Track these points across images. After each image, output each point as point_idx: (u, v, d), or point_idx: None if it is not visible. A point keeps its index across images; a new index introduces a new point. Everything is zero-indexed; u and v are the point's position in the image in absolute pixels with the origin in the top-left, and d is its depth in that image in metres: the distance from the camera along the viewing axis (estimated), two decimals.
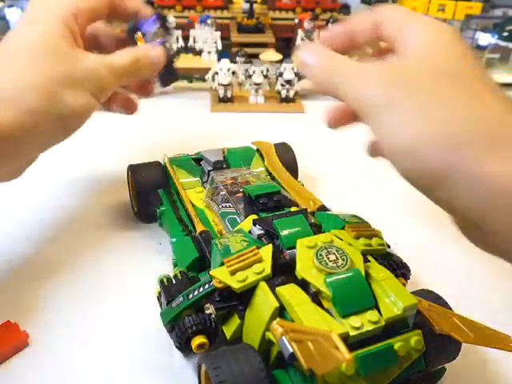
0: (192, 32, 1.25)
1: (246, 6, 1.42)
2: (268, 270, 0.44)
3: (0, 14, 1.23)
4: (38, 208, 0.74)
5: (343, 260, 0.43)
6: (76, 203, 0.75)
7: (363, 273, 0.43)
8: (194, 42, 1.25)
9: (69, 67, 0.52)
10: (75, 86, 0.53)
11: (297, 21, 1.36)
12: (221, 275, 0.45)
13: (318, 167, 0.89)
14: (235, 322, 0.46)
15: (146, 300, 0.56)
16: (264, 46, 1.34)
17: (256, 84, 1.17)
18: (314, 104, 1.21)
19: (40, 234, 0.69)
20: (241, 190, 0.58)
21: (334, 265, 0.43)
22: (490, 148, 0.37)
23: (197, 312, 0.47)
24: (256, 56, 1.27)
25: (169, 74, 0.67)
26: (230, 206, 0.58)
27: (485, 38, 1.24)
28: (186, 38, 1.26)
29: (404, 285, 0.48)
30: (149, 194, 0.67)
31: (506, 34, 1.20)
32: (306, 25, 1.28)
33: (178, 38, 1.25)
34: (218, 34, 1.24)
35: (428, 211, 0.77)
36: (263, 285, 0.44)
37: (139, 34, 0.64)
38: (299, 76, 1.18)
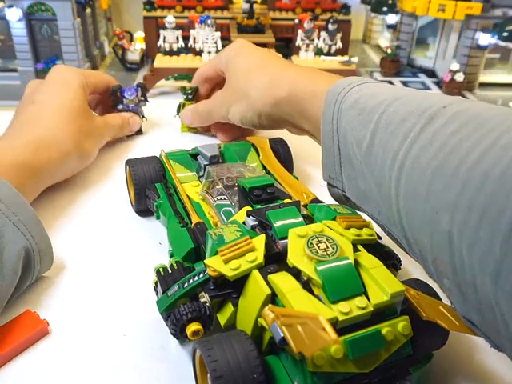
0: (192, 32, 1.26)
1: (246, 6, 1.44)
2: (260, 259, 0.46)
3: (0, 14, 1.25)
4: (34, 205, 0.76)
5: (333, 248, 0.45)
6: (74, 198, 0.77)
7: (353, 261, 0.45)
8: (194, 42, 1.27)
9: (89, 124, 0.78)
10: (91, 136, 0.78)
11: (297, 21, 1.38)
12: (215, 264, 0.47)
13: (317, 166, 0.90)
14: (229, 309, 0.48)
15: (144, 290, 0.58)
16: (264, 46, 1.33)
17: None
18: None
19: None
20: (236, 183, 0.61)
21: (325, 253, 0.45)
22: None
23: (192, 300, 0.49)
24: None
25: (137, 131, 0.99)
26: (225, 199, 0.60)
27: (485, 38, 1.25)
28: (186, 38, 1.29)
29: (394, 275, 0.50)
30: (146, 188, 0.69)
31: (505, 34, 1.22)
32: (306, 25, 1.30)
33: (178, 38, 1.27)
34: (218, 34, 1.25)
35: None
36: (256, 273, 0.46)
37: (119, 94, 0.94)
38: None
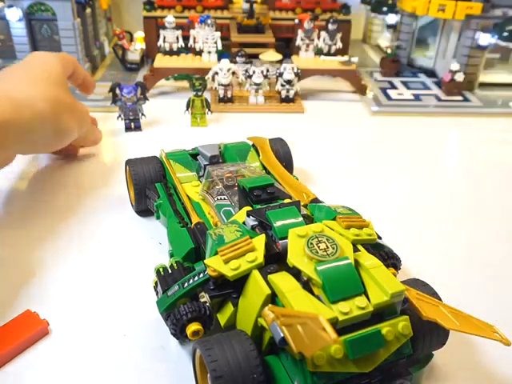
0: (192, 32, 1.26)
1: (246, 6, 1.43)
2: (260, 259, 0.46)
3: (0, 14, 1.24)
4: (35, 205, 0.76)
5: (333, 248, 0.45)
6: (74, 198, 0.77)
7: (352, 261, 0.45)
8: (194, 42, 1.26)
9: (71, 101, 0.77)
10: (70, 111, 0.75)
11: (297, 21, 1.38)
12: (215, 264, 0.47)
13: (317, 166, 0.91)
14: (229, 309, 0.48)
15: (144, 290, 0.58)
16: (264, 46, 1.36)
17: (256, 84, 1.18)
18: (313, 104, 1.24)
19: (40, 231, 0.71)
20: (236, 183, 0.61)
21: (325, 253, 0.45)
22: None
23: (192, 300, 0.49)
24: (256, 56, 1.28)
25: (135, 127, 1.04)
26: (224, 199, 0.60)
27: (485, 38, 1.25)
28: (186, 38, 1.28)
29: (394, 274, 0.50)
30: (146, 188, 0.69)
31: (506, 34, 1.21)
32: (306, 25, 1.30)
33: (178, 38, 1.26)
34: (218, 34, 1.25)
35: (420, 206, 0.80)
36: (256, 273, 0.46)
37: (118, 91, 0.99)
38: (299, 76, 1.20)
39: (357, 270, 0.44)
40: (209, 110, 1.08)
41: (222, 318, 0.49)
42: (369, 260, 0.46)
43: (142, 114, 1.04)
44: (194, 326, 0.48)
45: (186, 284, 0.49)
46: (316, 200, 0.62)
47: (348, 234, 0.49)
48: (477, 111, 1.22)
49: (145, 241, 0.69)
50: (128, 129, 1.04)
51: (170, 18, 1.25)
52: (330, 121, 1.16)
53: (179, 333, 0.49)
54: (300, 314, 0.40)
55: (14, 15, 1.22)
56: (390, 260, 0.54)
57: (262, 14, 1.46)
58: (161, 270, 0.53)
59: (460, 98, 1.28)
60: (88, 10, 1.36)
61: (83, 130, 0.82)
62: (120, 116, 1.03)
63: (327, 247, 0.45)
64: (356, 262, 0.45)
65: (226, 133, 1.06)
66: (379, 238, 0.53)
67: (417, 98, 1.28)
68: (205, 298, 0.49)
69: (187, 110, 1.07)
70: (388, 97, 1.28)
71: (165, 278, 0.52)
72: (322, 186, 0.83)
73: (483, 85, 1.34)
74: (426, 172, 0.94)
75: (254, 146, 0.76)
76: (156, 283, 0.53)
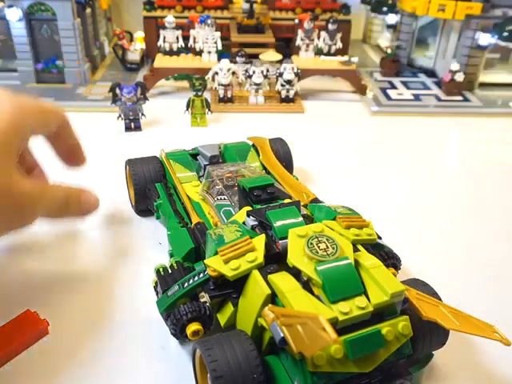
0: (192, 32, 1.26)
1: (246, 6, 1.43)
2: (260, 259, 0.46)
3: (0, 14, 1.24)
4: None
5: (333, 248, 0.45)
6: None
7: (352, 261, 0.45)
8: (194, 42, 1.26)
9: (7, 185, 0.48)
10: (7, 205, 0.49)
11: (297, 21, 1.38)
12: (215, 264, 0.47)
13: (317, 166, 0.91)
14: (229, 309, 0.48)
15: (144, 290, 0.58)
16: (264, 46, 1.36)
17: (256, 84, 1.18)
18: (313, 104, 1.23)
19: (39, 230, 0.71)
20: (236, 183, 0.61)
21: (325, 253, 0.45)
22: None
23: (192, 300, 0.49)
24: (256, 56, 1.28)
25: (135, 127, 1.03)
26: (224, 199, 0.60)
27: (485, 38, 1.25)
28: (186, 38, 1.28)
29: (394, 274, 0.50)
30: (146, 188, 0.69)
31: (506, 34, 1.21)
32: (306, 25, 1.30)
33: (178, 38, 1.27)
34: (218, 34, 1.25)
35: (420, 206, 0.81)
36: (256, 273, 0.46)
37: (118, 91, 0.96)
38: (299, 76, 1.20)
39: (357, 270, 0.44)
40: (209, 109, 1.08)
41: (222, 318, 0.49)
42: (369, 260, 0.46)
43: (142, 114, 1.04)
44: (193, 326, 0.48)
45: (186, 284, 0.49)
46: (316, 200, 0.62)
47: (348, 233, 0.49)
48: (477, 111, 1.22)
49: (145, 241, 0.68)
50: (128, 129, 1.04)
51: (169, 18, 1.25)
52: (330, 121, 1.16)
53: (179, 333, 0.49)
54: (300, 314, 0.40)
55: (14, 15, 1.21)
56: (390, 260, 0.55)
57: (262, 14, 1.46)
58: (161, 270, 0.53)
59: (460, 97, 1.28)
60: (88, 10, 1.36)
61: (29, 221, 0.53)
62: (120, 116, 1.03)
63: (327, 247, 0.45)
64: (356, 261, 0.45)
65: (226, 133, 1.06)
66: (379, 237, 0.53)
67: (417, 98, 1.28)
68: (205, 297, 0.49)
69: (187, 109, 1.07)
70: (388, 97, 1.28)
71: (165, 278, 0.52)
72: (321, 186, 0.83)
73: (483, 85, 1.34)
74: (426, 172, 0.94)
75: (254, 146, 0.76)
76: (156, 283, 0.53)
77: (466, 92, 1.30)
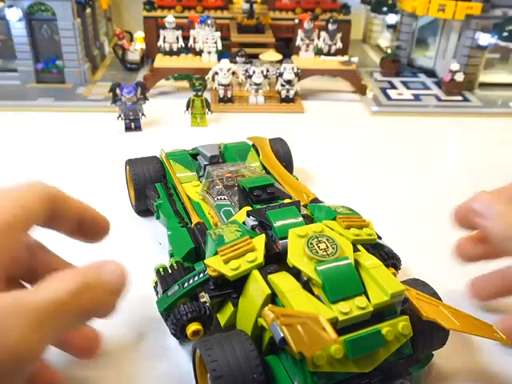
0: (192, 32, 1.26)
1: (246, 6, 1.43)
2: (260, 259, 0.46)
3: (0, 14, 1.24)
4: None
5: (333, 248, 0.45)
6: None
7: (352, 261, 0.45)
8: (194, 42, 1.26)
9: None
10: None
11: (297, 21, 1.38)
12: (215, 264, 0.47)
13: (317, 166, 0.91)
14: (229, 309, 0.48)
15: (144, 290, 0.58)
16: (264, 46, 1.35)
17: (256, 84, 1.18)
18: (313, 104, 1.23)
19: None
20: (236, 183, 0.61)
21: (325, 253, 0.45)
22: None
23: (192, 300, 0.49)
24: (256, 56, 1.28)
25: (135, 127, 1.02)
26: (224, 199, 0.60)
27: (485, 38, 1.25)
28: (186, 38, 1.28)
29: (394, 274, 0.50)
30: (146, 188, 0.69)
31: (505, 34, 1.21)
32: (306, 25, 1.30)
33: (178, 38, 1.26)
34: (218, 34, 1.25)
35: (420, 206, 0.80)
36: (256, 273, 0.46)
37: (118, 91, 0.94)
38: (299, 76, 1.19)
39: (357, 270, 0.44)
40: (209, 110, 1.08)
41: (222, 317, 0.49)
42: (369, 260, 0.46)
43: (142, 114, 1.04)
44: (193, 326, 0.48)
45: (186, 284, 0.49)
46: (316, 200, 0.62)
47: (348, 233, 0.48)
48: (477, 111, 1.22)
49: (145, 241, 0.68)
50: (128, 129, 1.04)
51: (170, 18, 1.25)
52: (330, 121, 1.16)
53: (179, 333, 0.49)
54: (300, 314, 0.40)
55: (14, 15, 1.21)
56: (390, 260, 0.54)
57: (262, 14, 1.45)
58: (161, 269, 0.53)
59: (460, 98, 1.28)
60: (88, 10, 1.36)
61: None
62: (120, 116, 1.03)
63: (327, 247, 0.45)
64: (356, 261, 0.45)
65: (226, 133, 1.06)
66: (379, 237, 0.53)
67: (417, 98, 1.28)
68: (205, 297, 0.49)
69: (187, 109, 1.07)
70: (388, 97, 1.28)
71: (165, 278, 0.52)
72: (321, 185, 0.83)
73: (483, 85, 1.33)
74: (426, 172, 0.94)
75: (253, 146, 0.76)
76: (156, 283, 0.53)
77: (466, 92, 1.30)
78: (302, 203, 0.56)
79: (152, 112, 1.08)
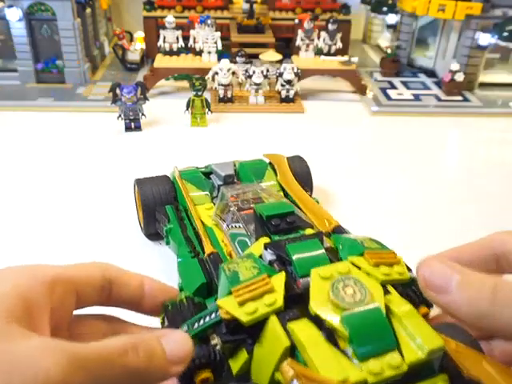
0: (192, 32, 1.21)
1: (246, 6, 1.38)
2: (280, 302, 0.39)
3: (0, 14, 1.20)
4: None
5: (361, 294, 0.38)
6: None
7: (384, 309, 0.37)
8: (194, 42, 1.22)
9: None
10: None
11: (297, 21, 1.33)
12: (228, 306, 0.39)
13: (317, 167, 0.86)
14: (243, 356, 0.41)
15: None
16: (264, 46, 1.31)
17: (256, 84, 1.14)
18: (313, 104, 1.19)
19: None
20: (252, 205, 0.53)
21: (352, 300, 0.37)
22: None
23: (201, 343, 0.42)
24: (256, 56, 1.23)
25: (135, 127, 0.99)
26: (239, 227, 0.52)
27: (485, 38, 1.20)
28: (186, 38, 1.23)
29: (427, 314, 0.43)
30: (156, 210, 0.62)
31: (505, 34, 1.17)
32: (306, 25, 1.25)
33: (178, 38, 1.22)
34: (218, 34, 1.20)
35: (420, 206, 0.78)
36: (274, 319, 0.38)
37: (118, 91, 0.91)
38: (299, 76, 1.15)
39: (388, 319, 0.37)
40: (209, 110, 1.04)
41: (235, 365, 0.42)
42: (401, 305, 0.38)
43: (142, 114, 1.01)
44: (203, 374, 0.41)
45: (196, 325, 0.42)
46: (339, 228, 0.55)
47: (377, 273, 0.41)
48: (477, 111, 1.18)
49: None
50: (128, 129, 1.01)
51: (169, 18, 1.21)
52: (330, 121, 1.12)
53: (187, 380, 0.42)
54: (324, 380, 0.33)
55: (14, 15, 1.17)
56: (421, 297, 0.47)
57: (262, 14, 1.41)
58: (169, 306, 0.46)
59: (460, 97, 1.23)
60: (88, 10, 1.31)
61: None
62: (120, 116, 1.00)
63: (354, 292, 0.38)
64: (387, 308, 0.38)
65: (226, 133, 1.03)
66: (409, 270, 0.45)
67: (417, 98, 1.23)
68: (215, 340, 0.42)
69: (187, 109, 1.03)
70: (388, 97, 1.23)
71: (173, 316, 0.44)
72: (321, 186, 0.79)
73: (483, 85, 1.29)
74: (426, 172, 0.91)
75: (270, 164, 0.68)
76: (163, 319, 0.46)
77: (466, 92, 1.26)
78: (323, 230, 0.49)
79: (152, 112, 1.05)
